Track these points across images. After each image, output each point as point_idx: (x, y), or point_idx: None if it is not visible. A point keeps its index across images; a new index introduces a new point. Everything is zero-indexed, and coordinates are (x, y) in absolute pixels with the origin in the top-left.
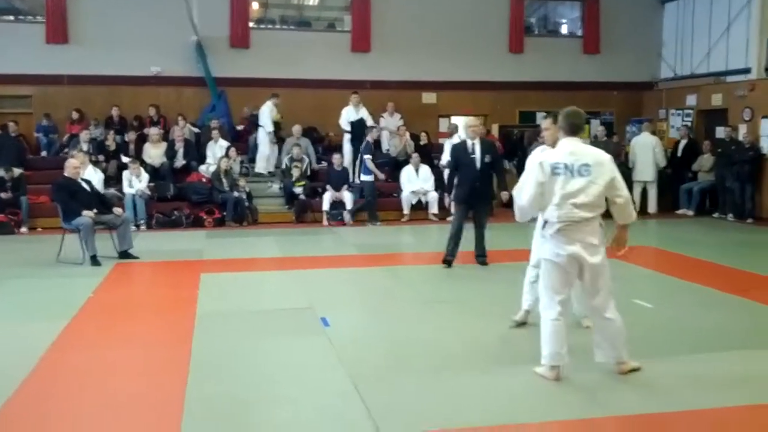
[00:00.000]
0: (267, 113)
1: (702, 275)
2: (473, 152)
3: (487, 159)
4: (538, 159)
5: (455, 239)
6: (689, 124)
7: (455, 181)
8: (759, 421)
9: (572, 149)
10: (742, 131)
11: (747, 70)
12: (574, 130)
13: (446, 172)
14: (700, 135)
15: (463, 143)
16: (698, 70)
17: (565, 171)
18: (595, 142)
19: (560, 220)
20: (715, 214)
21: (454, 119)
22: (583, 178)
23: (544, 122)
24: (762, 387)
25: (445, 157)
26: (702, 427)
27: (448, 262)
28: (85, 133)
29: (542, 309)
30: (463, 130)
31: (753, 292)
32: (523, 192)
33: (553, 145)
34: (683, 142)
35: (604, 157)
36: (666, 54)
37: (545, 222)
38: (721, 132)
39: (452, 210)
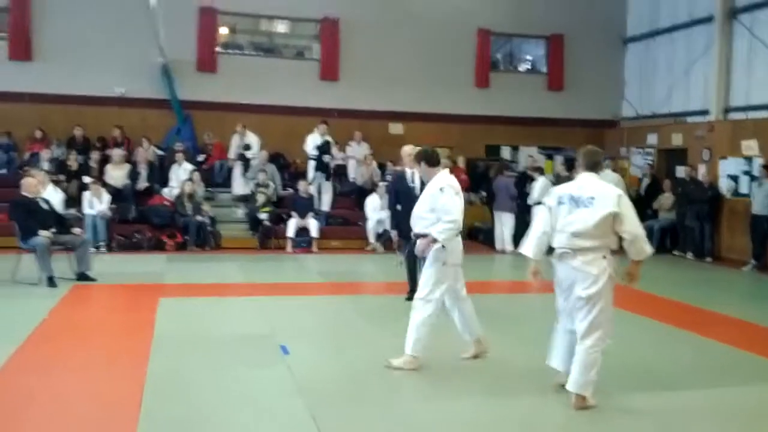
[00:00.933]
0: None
1: (660, 311)
2: (413, 181)
3: None
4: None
5: (413, 274)
6: (651, 162)
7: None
8: None
9: (582, 183)
10: (702, 171)
11: (706, 112)
12: (591, 166)
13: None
14: (660, 174)
15: (402, 173)
16: (659, 109)
17: (570, 201)
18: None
19: (560, 246)
20: (675, 252)
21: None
22: (587, 209)
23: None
24: (718, 426)
25: None
26: None
27: (411, 298)
28: (46, 151)
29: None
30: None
31: (709, 329)
32: (536, 218)
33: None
34: (646, 181)
35: (611, 192)
36: (628, 93)
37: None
38: (681, 171)
39: (397, 246)
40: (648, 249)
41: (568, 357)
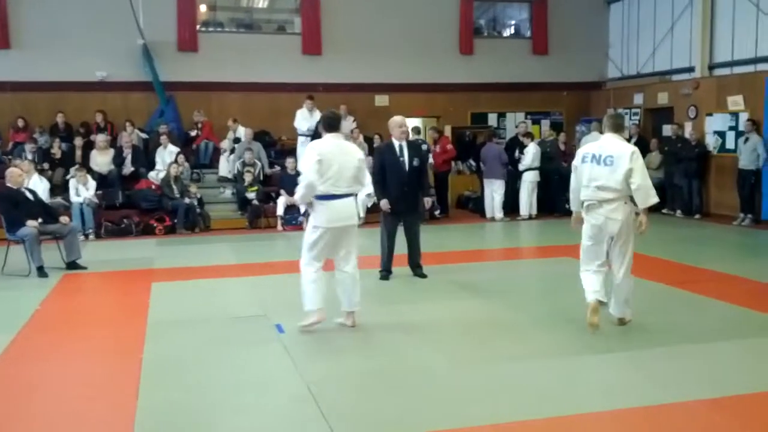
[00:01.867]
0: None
1: (653, 271)
2: (401, 154)
3: (416, 162)
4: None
5: (390, 250)
6: (637, 122)
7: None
8: (716, 415)
9: (603, 144)
10: (688, 129)
11: (691, 69)
12: (616, 128)
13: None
14: (647, 133)
15: (389, 144)
16: (644, 69)
17: (592, 160)
18: (541, 142)
19: (587, 198)
20: (664, 211)
21: (408, 121)
22: (607, 168)
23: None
24: (715, 381)
25: None
26: (656, 422)
27: (385, 277)
28: (30, 143)
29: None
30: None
31: (702, 286)
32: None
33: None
34: (633, 140)
35: (626, 151)
36: (612, 54)
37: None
38: (667, 130)
39: (381, 220)
40: (653, 197)
41: (602, 287)
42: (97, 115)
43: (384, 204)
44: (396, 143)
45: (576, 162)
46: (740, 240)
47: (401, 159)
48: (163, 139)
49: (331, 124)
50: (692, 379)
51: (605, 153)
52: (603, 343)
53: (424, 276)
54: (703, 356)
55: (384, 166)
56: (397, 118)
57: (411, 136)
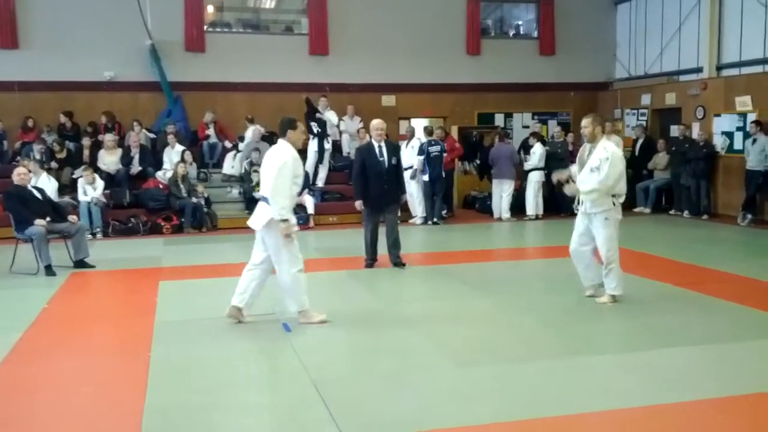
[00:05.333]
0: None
1: (659, 271)
2: (381, 155)
3: (394, 161)
4: (621, 153)
5: (374, 244)
6: (644, 123)
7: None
8: (720, 416)
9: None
10: (696, 129)
11: (699, 70)
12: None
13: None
14: (654, 134)
15: (368, 145)
16: (652, 70)
17: (579, 161)
18: (551, 142)
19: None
20: (671, 212)
21: (414, 121)
22: (593, 173)
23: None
24: (722, 382)
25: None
26: (661, 422)
27: (370, 265)
28: (39, 143)
29: (616, 253)
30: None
31: (710, 287)
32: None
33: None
34: (640, 141)
35: (602, 154)
36: (620, 54)
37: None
38: (675, 130)
39: (363, 215)
40: (583, 192)
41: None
42: (102, 117)
43: (358, 204)
44: (375, 144)
45: (620, 156)
46: (747, 240)
47: (381, 159)
48: (171, 138)
49: (279, 129)
50: (698, 379)
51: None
52: (608, 343)
53: (402, 265)
54: (710, 357)
55: (365, 166)
56: (375, 122)
57: (424, 137)
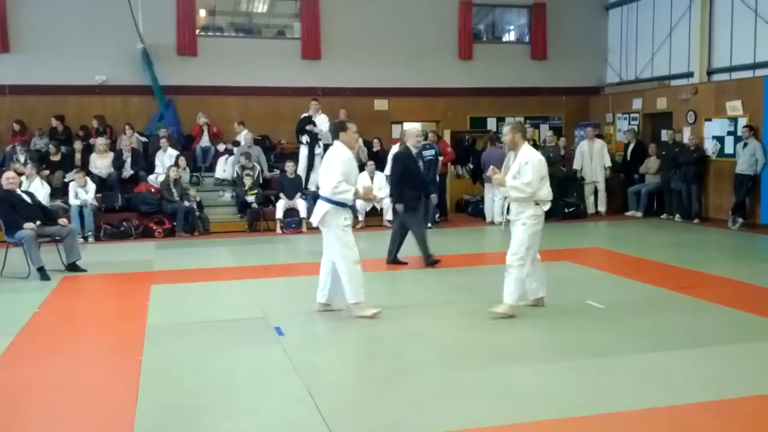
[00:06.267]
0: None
1: (651, 275)
2: (417, 159)
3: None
4: (541, 158)
5: (401, 242)
6: (635, 127)
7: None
8: (712, 419)
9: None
10: (687, 134)
11: (690, 74)
12: (525, 136)
13: (336, 173)
14: (646, 138)
15: (407, 151)
16: (643, 74)
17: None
18: (543, 147)
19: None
20: (663, 216)
21: (406, 125)
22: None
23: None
24: (713, 384)
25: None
26: (656, 424)
27: (434, 261)
28: (21, 144)
29: (522, 260)
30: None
31: (702, 290)
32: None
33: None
34: (632, 145)
35: (523, 159)
36: (611, 59)
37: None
38: (666, 135)
39: (399, 217)
40: (507, 189)
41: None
42: (93, 121)
43: (399, 207)
44: (413, 149)
45: (544, 166)
46: (739, 244)
47: (418, 164)
48: (163, 142)
49: (332, 132)
50: (691, 382)
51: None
52: (602, 346)
53: (436, 262)
54: (702, 360)
55: (404, 171)
56: (412, 129)
57: (420, 140)
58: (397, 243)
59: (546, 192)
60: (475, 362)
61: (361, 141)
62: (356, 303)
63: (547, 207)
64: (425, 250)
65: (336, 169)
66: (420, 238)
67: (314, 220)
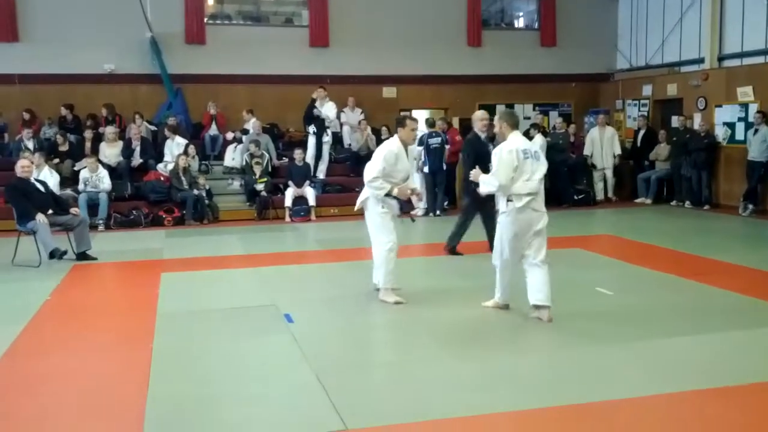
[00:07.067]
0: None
1: (661, 262)
2: (487, 145)
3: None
4: (511, 148)
5: (464, 232)
6: (646, 114)
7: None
8: (719, 405)
9: (522, 140)
10: (697, 120)
11: (700, 60)
12: (517, 125)
13: (375, 168)
14: (656, 125)
15: (476, 137)
16: (653, 60)
17: (528, 155)
18: (552, 133)
19: (532, 191)
20: (673, 202)
21: (415, 113)
22: (537, 162)
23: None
24: (723, 371)
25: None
26: (664, 411)
27: (452, 250)
28: (28, 133)
29: (497, 261)
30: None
31: (711, 277)
32: (502, 173)
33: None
34: (642, 132)
35: (537, 146)
36: (621, 45)
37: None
38: (676, 121)
39: (467, 205)
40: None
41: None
42: (102, 109)
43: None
44: (482, 135)
45: (518, 157)
46: (748, 231)
47: (489, 149)
48: (167, 131)
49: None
50: (700, 369)
51: (532, 148)
52: (607, 333)
53: (456, 253)
54: (712, 346)
55: (479, 157)
56: (478, 113)
57: (426, 128)
58: (487, 232)
59: (520, 185)
60: (482, 350)
61: (369, 129)
62: (385, 288)
63: (521, 202)
64: (455, 236)
65: (376, 165)
66: (461, 224)
67: (357, 204)
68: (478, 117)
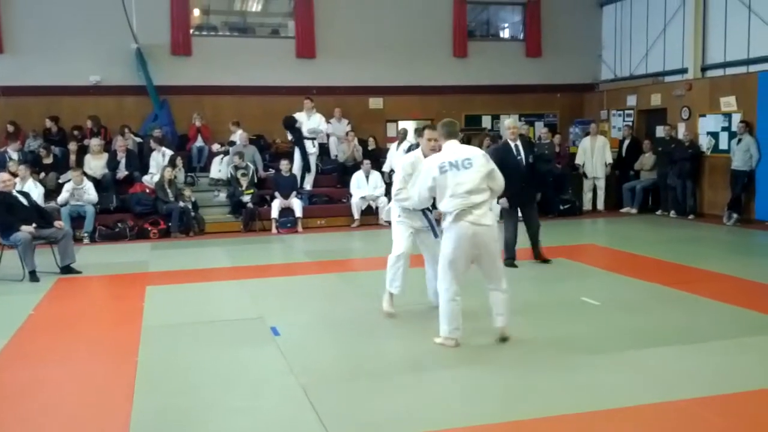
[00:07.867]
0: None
1: (647, 271)
2: (518, 153)
3: (531, 159)
4: (428, 162)
5: (515, 243)
6: (630, 124)
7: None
8: (706, 414)
9: (452, 149)
10: (681, 130)
11: (684, 70)
12: (453, 135)
13: (396, 179)
14: (640, 134)
15: (506, 145)
16: (637, 71)
17: (451, 167)
18: (538, 143)
19: (457, 207)
20: (658, 212)
21: (402, 124)
22: (468, 170)
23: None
24: (709, 380)
25: (389, 164)
26: (651, 421)
27: (511, 263)
28: (13, 146)
29: (442, 290)
30: (504, 131)
31: (697, 286)
32: (419, 187)
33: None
34: (627, 142)
35: (478, 152)
36: (606, 56)
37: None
38: (661, 131)
39: (501, 215)
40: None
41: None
42: (88, 121)
43: (503, 202)
44: (512, 144)
45: (433, 173)
46: (733, 240)
47: (518, 157)
48: (153, 143)
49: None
50: (686, 378)
51: (461, 157)
52: (597, 342)
53: (548, 261)
54: (697, 355)
55: (504, 166)
56: (508, 121)
57: (405, 142)
58: (531, 240)
59: (446, 203)
60: (469, 361)
61: (356, 140)
62: (386, 293)
63: (451, 217)
64: (509, 249)
65: (397, 175)
66: (508, 237)
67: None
68: (508, 125)
